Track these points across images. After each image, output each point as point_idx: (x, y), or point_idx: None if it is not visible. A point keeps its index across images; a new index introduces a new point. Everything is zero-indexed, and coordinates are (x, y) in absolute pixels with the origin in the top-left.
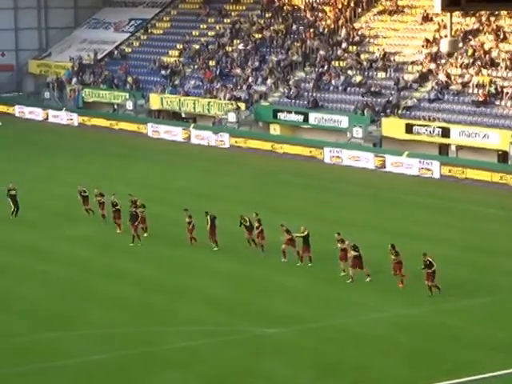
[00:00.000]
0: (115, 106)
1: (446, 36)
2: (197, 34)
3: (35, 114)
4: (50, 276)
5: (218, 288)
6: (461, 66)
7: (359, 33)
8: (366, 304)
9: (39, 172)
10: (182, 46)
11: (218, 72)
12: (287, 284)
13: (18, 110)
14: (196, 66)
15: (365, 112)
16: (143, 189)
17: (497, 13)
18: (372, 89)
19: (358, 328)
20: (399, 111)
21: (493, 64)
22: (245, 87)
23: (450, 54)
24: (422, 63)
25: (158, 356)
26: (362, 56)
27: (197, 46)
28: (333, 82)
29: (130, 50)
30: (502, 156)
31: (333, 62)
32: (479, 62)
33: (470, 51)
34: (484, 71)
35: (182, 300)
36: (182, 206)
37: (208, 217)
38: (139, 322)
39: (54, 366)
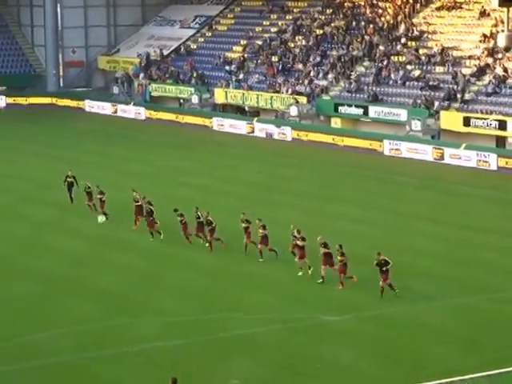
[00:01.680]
0: (181, 101)
1: (502, 31)
2: (260, 30)
3: (104, 108)
4: (123, 265)
5: (281, 276)
6: None
7: (418, 28)
8: (422, 292)
9: (108, 163)
10: (245, 42)
11: (280, 67)
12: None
13: (87, 105)
14: (259, 62)
15: (423, 105)
16: (207, 180)
17: None
18: (430, 83)
19: (415, 316)
20: (457, 105)
21: None
22: (306, 82)
23: (507, 49)
24: (479, 58)
25: (224, 343)
26: (421, 51)
27: (260, 42)
28: (392, 76)
29: (195, 46)
30: None
31: (392, 57)
32: None
33: None
34: None
35: (247, 288)
36: (246, 197)
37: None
38: (205, 310)
39: (123, 352)
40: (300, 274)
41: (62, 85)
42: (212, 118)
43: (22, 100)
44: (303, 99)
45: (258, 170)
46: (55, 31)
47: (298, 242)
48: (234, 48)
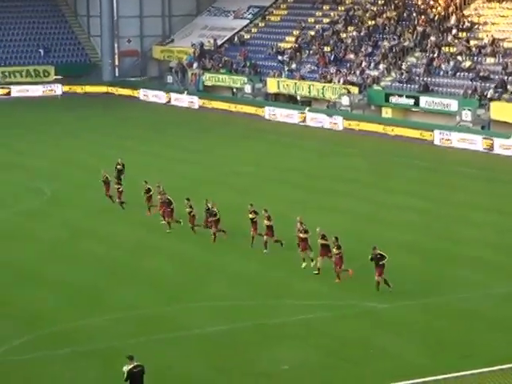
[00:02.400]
0: (234, 90)
1: None
2: (312, 20)
3: (158, 97)
4: (176, 251)
5: (329, 263)
6: None
7: (469, 19)
8: (472, 280)
9: (162, 152)
10: (298, 33)
11: (332, 57)
12: (397, 261)
13: (142, 94)
14: (311, 52)
15: (477, 96)
16: (260, 168)
17: None
18: (481, 73)
19: (464, 304)
20: (507, 95)
21: None
22: (358, 72)
23: None
24: None
25: (274, 328)
26: (472, 42)
27: (312, 33)
28: (443, 66)
29: (248, 36)
30: None
31: (443, 48)
32: None
33: None
34: None
35: (297, 274)
36: (298, 185)
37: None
38: (256, 296)
39: (174, 338)
40: (303, 265)
41: (117, 74)
42: (264, 107)
43: (77, 88)
44: (355, 89)
45: (310, 158)
46: (111, 21)
47: (301, 234)
48: (287, 38)
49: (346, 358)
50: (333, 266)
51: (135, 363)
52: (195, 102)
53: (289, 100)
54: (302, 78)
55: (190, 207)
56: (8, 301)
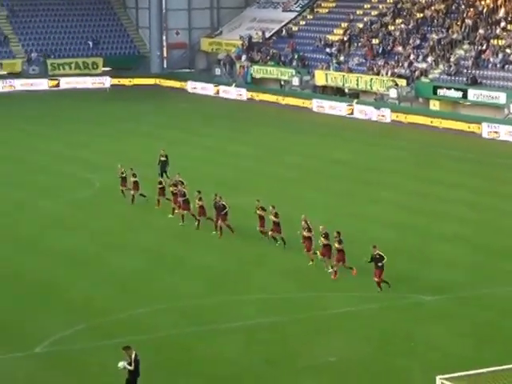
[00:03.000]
0: (282, 82)
1: None
2: (360, 13)
3: (207, 89)
4: (225, 243)
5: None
6: None
7: None
8: None
9: (211, 144)
10: (346, 25)
11: (380, 50)
12: (444, 253)
13: (190, 86)
14: (359, 44)
15: None
16: (308, 160)
17: None
18: None
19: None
20: None
21: None
22: (406, 64)
23: None
24: None
25: (322, 321)
26: None
27: (360, 25)
28: (491, 59)
29: (296, 28)
30: None
31: (492, 41)
32: None
33: None
34: None
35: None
36: (346, 177)
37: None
38: (304, 288)
39: (223, 329)
40: (310, 263)
41: (165, 66)
42: (312, 99)
43: (126, 81)
44: (403, 82)
45: (357, 150)
46: (159, 13)
47: (305, 233)
48: (335, 30)
49: (393, 350)
50: (334, 262)
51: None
52: (243, 94)
53: (336, 92)
54: (350, 70)
55: (200, 199)
56: (60, 290)
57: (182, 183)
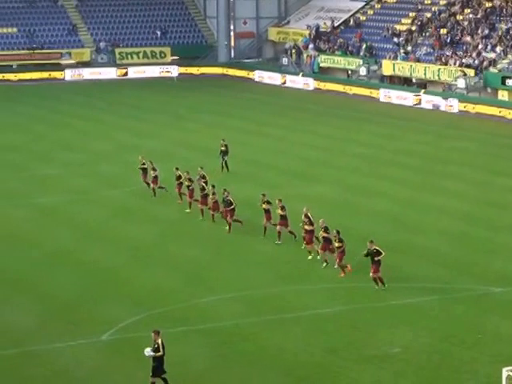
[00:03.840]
0: (349, 72)
1: None
2: (429, 2)
3: (274, 78)
4: (284, 233)
5: (442, 246)
6: None
7: None
8: None
9: (278, 133)
10: (414, 15)
11: (448, 39)
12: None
13: (257, 75)
14: (427, 34)
15: None
16: (374, 150)
17: None
18: None
19: None
20: None
21: None
22: (474, 54)
23: None
24: None
25: (386, 311)
26: None
27: (428, 15)
28: None
29: (364, 18)
30: None
31: None
32: None
33: None
34: None
35: (407, 257)
36: (413, 167)
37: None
38: (366, 278)
39: (287, 318)
40: (310, 257)
41: (232, 55)
42: (379, 89)
43: (193, 70)
44: (471, 72)
45: (425, 141)
46: (227, 3)
47: (306, 227)
48: (403, 20)
49: (458, 341)
50: (336, 261)
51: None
52: (310, 83)
53: (404, 82)
54: (418, 60)
55: (213, 194)
56: (126, 279)
57: (204, 177)
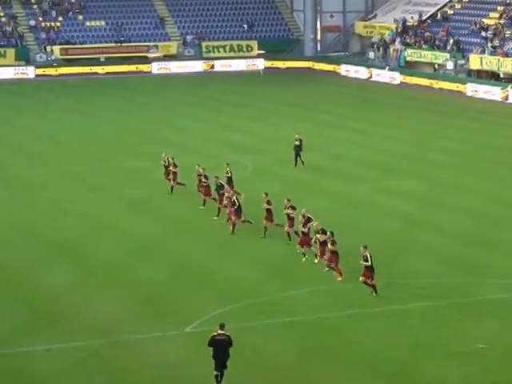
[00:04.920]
0: (436, 66)
1: None
2: None
3: (360, 72)
4: (374, 226)
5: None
6: None
7: None
8: None
9: (364, 128)
10: (502, 9)
11: None
12: None
13: (343, 69)
14: None
15: None
16: (461, 145)
17: None
18: None
19: None
20: None
21: None
22: None
23: None
24: None
25: (473, 306)
26: None
27: None
28: None
29: (451, 12)
30: None
31: None
32: None
33: None
34: None
35: (498, 253)
36: (499, 162)
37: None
38: (455, 273)
39: (372, 312)
40: (304, 260)
41: (319, 49)
42: (466, 83)
43: (279, 63)
44: None
45: (511, 136)
46: None
47: (303, 229)
48: (491, 14)
49: None
50: (326, 263)
51: (221, 332)
52: (396, 77)
53: (491, 77)
54: (506, 55)
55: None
56: (212, 272)
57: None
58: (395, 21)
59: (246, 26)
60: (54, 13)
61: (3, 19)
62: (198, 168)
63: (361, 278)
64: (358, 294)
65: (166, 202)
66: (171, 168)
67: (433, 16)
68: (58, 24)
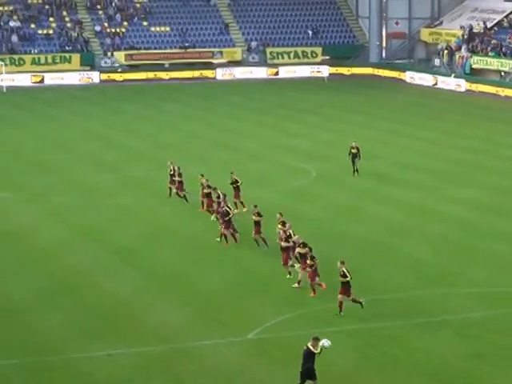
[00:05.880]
0: (502, 74)
1: None
2: None
3: (425, 79)
4: (436, 235)
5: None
6: None
7: None
8: None
9: (428, 135)
10: None
11: None
12: None
13: (408, 76)
14: None
15: None
16: None
17: None
18: None
19: None
20: None
21: None
22: None
23: None
24: None
25: None
26: None
27: None
28: None
29: None
30: None
31: None
32: None
33: None
34: None
35: None
36: None
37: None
38: None
39: (433, 322)
40: (288, 276)
41: (384, 56)
42: None
43: (344, 70)
44: None
45: None
46: (379, 3)
47: (282, 243)
48: None
49: None
50: (308, 279)
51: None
52: (462, 85)
53: None
54: None
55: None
56: (270, 278)
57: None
58: (461, 28)
59: (310, 32)
60: (119, 18)
61: (69, 24)
62: (201, 179)
63: (339, 296)
64: (422, 303)
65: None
66: (176, 177)
67: (499, 23)
68: (123, 29)
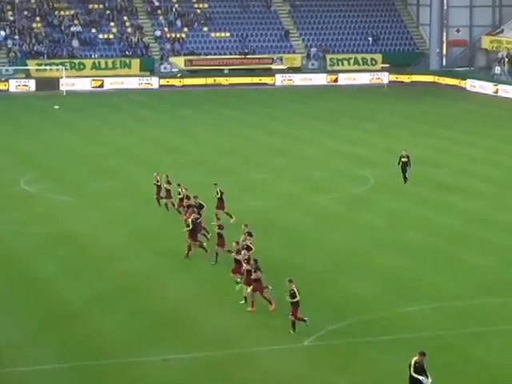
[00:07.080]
0: None
1: None
2: None
3: (485, 88)
4: (496, 243)
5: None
6: None
7: None
8: None
9: (489, 144)
10: None
11: None
12: None
13: (469, 84)
14: None
15: None
16: None
17: None
18: None
19: None
20: None
21: None
22: None
23: None
24: None
25: None
26: None
27: None
28: None
29: None
30: None
31: None
32: None
33: None
34: None
35: None
36: None
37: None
38: None
39: (492, 331)
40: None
41: (444, 63)
42: None
43: (404, 77)
44: None
45: None
46: (440, 10)
47: (234, 254)
48: None
49: None
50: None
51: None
52: None
53: None
54: None
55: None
56: (326, 285)
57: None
58: None
59: (370, 39)
60: (179, 24)
61: (129, 29)
62: (179, 188)
63: (290, 317)
64: (479, 312)
65: (285, 214)
66: (166, 186)
67: None
68: (183, 35)
